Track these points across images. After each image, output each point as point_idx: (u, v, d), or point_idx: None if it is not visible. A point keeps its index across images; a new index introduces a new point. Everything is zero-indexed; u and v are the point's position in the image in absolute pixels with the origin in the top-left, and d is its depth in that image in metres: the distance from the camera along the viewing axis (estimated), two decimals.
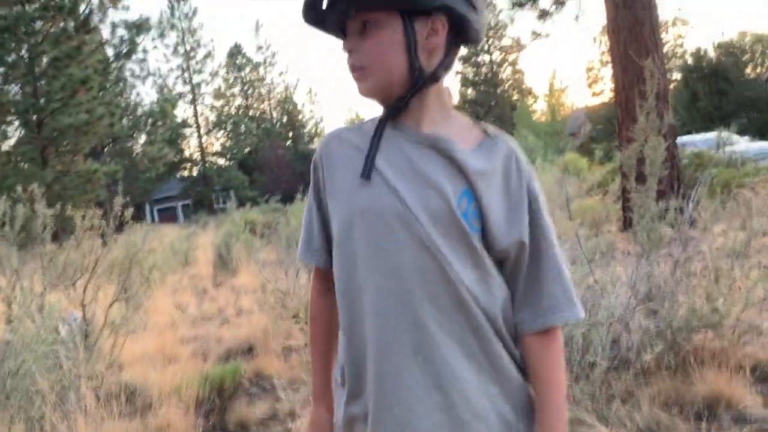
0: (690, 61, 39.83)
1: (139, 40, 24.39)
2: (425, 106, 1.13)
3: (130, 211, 4.80)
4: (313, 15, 1.15)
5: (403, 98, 1.11)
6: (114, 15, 25.79)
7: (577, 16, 7.28)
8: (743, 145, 16.13)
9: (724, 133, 14.91)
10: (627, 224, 7.29)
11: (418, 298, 1.05)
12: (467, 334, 1.07)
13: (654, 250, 3.27)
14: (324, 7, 1.11)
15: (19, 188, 3.97)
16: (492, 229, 1.08)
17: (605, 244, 5.48)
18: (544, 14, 6.87)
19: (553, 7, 6.83)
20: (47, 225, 3.94)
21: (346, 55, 1.13)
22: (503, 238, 1.09)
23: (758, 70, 39.65)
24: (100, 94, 21.74)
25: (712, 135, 16.78)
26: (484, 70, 52.77)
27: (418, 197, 1.06)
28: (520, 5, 6.91)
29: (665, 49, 36.43)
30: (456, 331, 1.06)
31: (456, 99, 62.75)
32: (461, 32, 1.12)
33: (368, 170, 1.10)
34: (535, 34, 7.54)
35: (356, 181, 1.11)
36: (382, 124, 1.14)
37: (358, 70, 1.11)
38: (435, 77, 1.12)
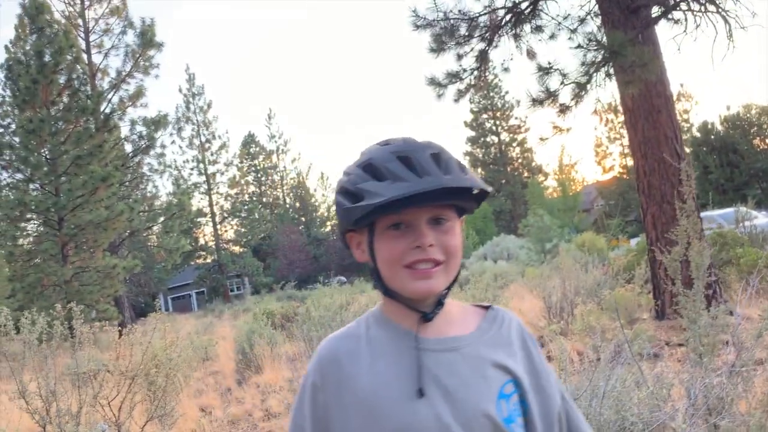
0: (698, 134, 40.37)
1: (157, 135, 25.02)
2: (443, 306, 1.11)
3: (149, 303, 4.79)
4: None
5: (445, 297, 1.10)
6: (133, 112, 26.52)
7: (596, 109, 7.41)
8: (763, 219, 16.06)
9: (743, 209, 14.83)
10: (660, 313, 7.18)
11: None
12: None
13: (710, 357, 3.18)
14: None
15: (58, 306, 3.95)
16: (535, 422, 1.07)
17: (645, 339, 5.36)
18: (564, 109, 7.02)
19: (573, 101, 6.99)
20: (93, 341, 3.91)
21: (403, 247, 1.04)
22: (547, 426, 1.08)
23: (766, 141, 40.02)
24: (120, 189, 22.18)
25: (730, 210, 16.76)
26: (492, 150, 53.64)
27: (453, 411, 1.01)
28: (540, 103, 7.08)
29: None
30: None
31: None
32: None
33: (421, 387, 1.03)
34: (557, 129, 7.66)
35: (385, 397, 1.03)
36: (417, 331, 1.08)
37: (428, 265, 1.04)
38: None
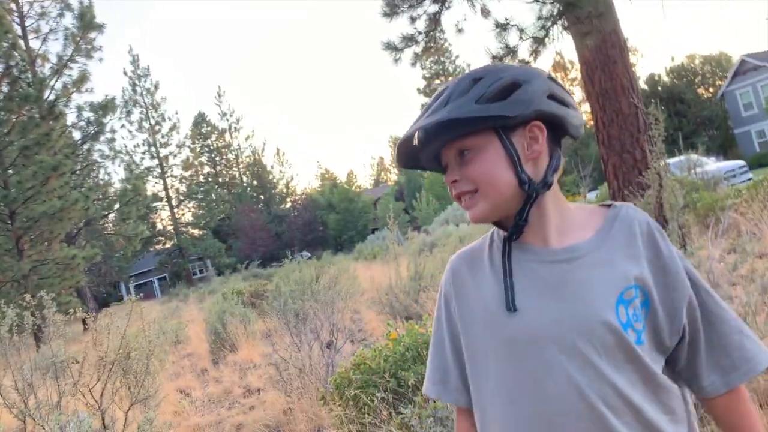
0: (645, 86, 41.14)
1: (105, 120, 24.29)
2: (545, 216, 1.08)
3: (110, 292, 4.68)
4: (407, 159, 1.16)
5: (522, 214, 1.06)
6: (79, 98, 25.65)
7: (552, 66, 7.43)
8: (713, 165, 16.53)
9: (694, 156, 15.23)
10: None
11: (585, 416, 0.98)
12: None
13: None
14: (417, 146, 1.10)
15: (28, 296, 3.82)
16: (659, 321, 1.02)
17: None
18: (524, 65, 7.03)
19: (531, 57, 7.00)
20: (61, 333, 3.80)
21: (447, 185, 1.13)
22: (672, 329, 1.03)
23: (710, 90, 41.06)
24: (72, 178, 21.53)
25: (682, 158, 17.19)
26: None
27: (570, 319, 1.00)
28: (500, 59, 7.07)
29: None
30: None
31: None
32: (560, 129, 1.09)
33: (511, 301, 1.04)
34: None
35: (496, 310, 1.06)
36: (507, 246, 1.09)
37: (466, 196, 1.08)
38: (548, 184, 1.06)
